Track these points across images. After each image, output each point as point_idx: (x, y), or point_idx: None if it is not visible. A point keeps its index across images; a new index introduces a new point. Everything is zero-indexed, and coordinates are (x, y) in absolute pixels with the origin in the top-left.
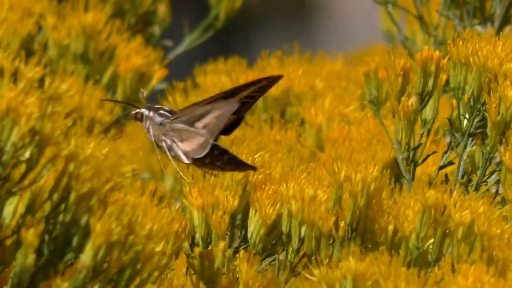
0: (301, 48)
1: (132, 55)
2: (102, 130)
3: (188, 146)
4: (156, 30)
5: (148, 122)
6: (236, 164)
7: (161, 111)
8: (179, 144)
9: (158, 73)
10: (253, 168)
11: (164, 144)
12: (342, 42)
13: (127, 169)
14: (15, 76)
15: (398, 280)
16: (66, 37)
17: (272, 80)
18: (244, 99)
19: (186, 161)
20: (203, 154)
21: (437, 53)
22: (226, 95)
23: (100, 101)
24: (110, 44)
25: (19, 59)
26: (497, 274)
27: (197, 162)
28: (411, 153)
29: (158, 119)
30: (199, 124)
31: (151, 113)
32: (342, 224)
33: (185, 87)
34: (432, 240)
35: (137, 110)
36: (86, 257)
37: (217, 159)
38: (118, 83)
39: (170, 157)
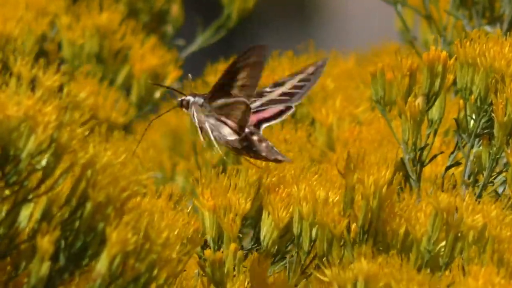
0: (301, 48)
1: (147, 55)
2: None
3: (233, 120)
4: (169, 29)
5: (193, 107)
6: (272, 153)
7: (205, 94)
8: (227, 121)
9: (173, 74)
10: (289, 160)
11: (207, 125)
12: (342, 42)
13: (144, 177)
14: (33, 84)
15: (410, 283)
16: (81, 37)
17: (318, 67)
18: (292, 89)
19: (230, 137)
20: (248, 122)
21: (444, 53)
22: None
23: (114, 101)
24: (124, 44)
25: (38, 66)
26: (508, 276)
27: (236, 145)
28: (418, 154)
29: (200, 101)
30: (234, 91)
31: (196, 98)
32: (353, 226)
33: (195, 86)
34: (443, 243)
35: (183, 97)
36: (101, 266)
37: (255, 145)
38: (133, 84)
39: (212, 138)
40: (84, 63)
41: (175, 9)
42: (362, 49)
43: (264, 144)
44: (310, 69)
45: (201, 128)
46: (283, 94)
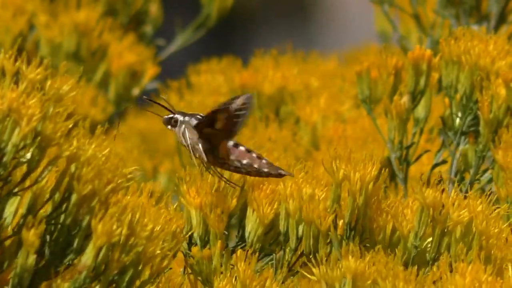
0: (300, 47)
1: (125, 53)
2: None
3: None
4: (149, 29)
5: (183, 126)
6: (274, 168)
7: (198, 116)
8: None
9: (151, 71)
10: (291, 174)
11: (200, 146)
12: (341, 41)
13: (128, 170)
14: (16, 77)
15: (396, 279)
16: (59, 35)
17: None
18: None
19: (225, 160)
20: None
21: (428, 51)
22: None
23: (93, 99)
24: (102, 42)
25: (21, 60)
26: (495, 273)
27: (236, 163)
28: (404, 152)
29: (194, 122)
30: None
31: (187, 118)
32: (340, 223)
33: (179, 86)
34: (430, 239)
35: (171, 116)
36: (87, 258)
37: (255, 161)
38: (111, 81)
39: (205, 159)
40: (62, 61)
41: (154, 9)
42: (356, 48)
43: (264, 161)
44: (239, 101)
45: (194, 149)
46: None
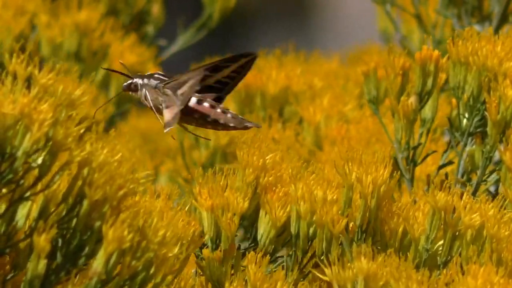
0: (300, 47)
1: (126, 53)
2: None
3: (168, 113)
4: (150, 29)
5: (144, 89)
6: (240, 122)
7: (156, 75)
8: (164, 110)
9: (152, 71)
10: (258, 126)
11: (164, 105)
12: (341, 41)
13: (140, 175)
14: (28, 82)
15: (409, 281)
16: (59, 35)
17: (249, 60)
18: (224, 79)
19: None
20: (171, 126)
21: (436, 52)
22: (207, 67)
23: (94, 99)
24: (103, 42)
25: (33, 64)
26: (507, 275)
27: (200, 120)
28: (411, 153)
29: (154, 82)
30: (179, 92)
31: (146, 80)
32: (351, 225)
33: None
34: (441, 242)
35: (130, 81)
36: (98, 264)
37: (220, 116)
38: (112, 81)
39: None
40: (62, 61)
41: (156, 9)
42: (358, 48)
43: (229, 115)
44: (242, 61)
45: (158, 109)
46: (218, 81)
